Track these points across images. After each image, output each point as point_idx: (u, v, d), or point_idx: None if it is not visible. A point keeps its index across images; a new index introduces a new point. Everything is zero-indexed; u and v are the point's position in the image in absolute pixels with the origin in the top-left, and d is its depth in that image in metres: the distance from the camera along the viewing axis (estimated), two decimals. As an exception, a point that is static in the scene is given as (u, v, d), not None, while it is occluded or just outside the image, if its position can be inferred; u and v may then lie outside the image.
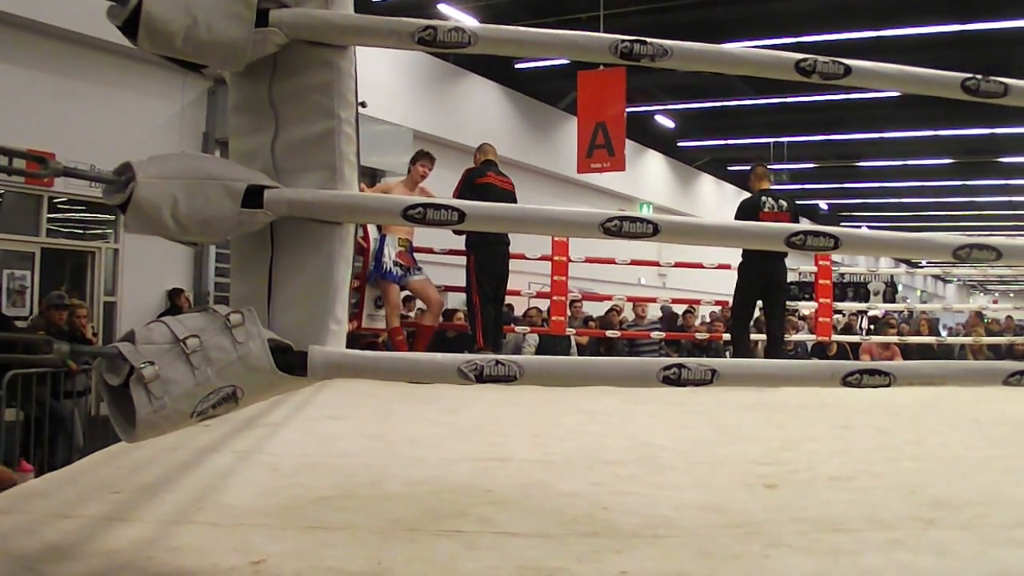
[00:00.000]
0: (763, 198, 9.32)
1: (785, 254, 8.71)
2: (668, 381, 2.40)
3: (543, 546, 2.60)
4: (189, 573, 2.30)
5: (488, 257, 8.73)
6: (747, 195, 10.07)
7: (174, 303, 14.57)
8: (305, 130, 2.40)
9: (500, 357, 2.35)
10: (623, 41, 2.53)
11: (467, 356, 2.36)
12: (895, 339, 12.96)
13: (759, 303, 9.87)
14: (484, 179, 8.71)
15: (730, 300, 13.34)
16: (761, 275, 9.41)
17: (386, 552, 2.48)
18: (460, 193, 8.57)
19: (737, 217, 9.41)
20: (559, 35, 2.59)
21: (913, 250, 3.01)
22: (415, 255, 8.94)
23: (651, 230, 2.49)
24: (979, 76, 2.81)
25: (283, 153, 2.40)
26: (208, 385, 2.19)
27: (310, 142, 2.41)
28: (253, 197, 2.29)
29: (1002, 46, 20.09)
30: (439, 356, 2.42)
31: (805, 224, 2.82)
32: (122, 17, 2.21)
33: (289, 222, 2.38)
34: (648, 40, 2.54)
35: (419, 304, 10.72)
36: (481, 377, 2.32)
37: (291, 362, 2.29)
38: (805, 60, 2.64)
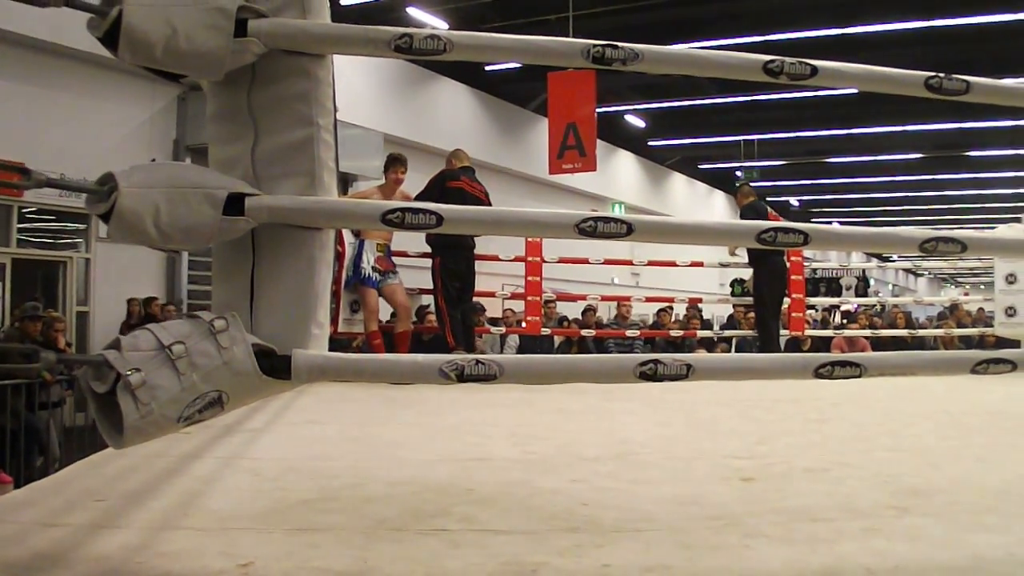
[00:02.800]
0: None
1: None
2: (645, 376, 2.44)
3: (525, 542, 2.64)
4: (179, 577, 2.33)
5: (453, 260, 8.75)
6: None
7: (144, 311, 14.43)
8: (284, 138, 2.43)
9: (480, 357, 2.38)
10: (595, 46, 2.57)
11: (448, 356, 2.40)
12: (867, 332, 13.06)
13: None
14: (457, 183, 8.71)
15: (703, 297, 13.47)
16: (780, 268, 10.04)
17: (372, 552, 2.52)
18: (428, 192, 8.60)
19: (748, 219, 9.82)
20: (532, 41, 2.62)
21: (881, 244, 3.08)
22: (393, 258, 8.95)
23: (625, 230, 2.53)
24: (941, 74, 2.87)
25: (263, 161, 2.42)
26: (194, 390, 2.22)
27: (289, 149, 2.43)
28: (234, 205, 2.31)
29: (967, 42, 20.27)
30: (420, 357, 2.45)
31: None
32: (103, 29, 2.24)
33: (270, 229, 2.40)
34: (619, 44, 2.58)
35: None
36: (462, 376, 2.36)
37: (275, 366, 2.32)
38: (773, 61, 2.69)
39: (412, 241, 9.22)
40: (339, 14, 2.55)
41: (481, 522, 2.85)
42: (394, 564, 2.44)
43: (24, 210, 14.59)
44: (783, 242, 2.66)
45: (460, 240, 8.67)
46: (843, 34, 19.93)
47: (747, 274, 12.35)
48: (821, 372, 2.56)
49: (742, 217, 10.04)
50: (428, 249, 9.14)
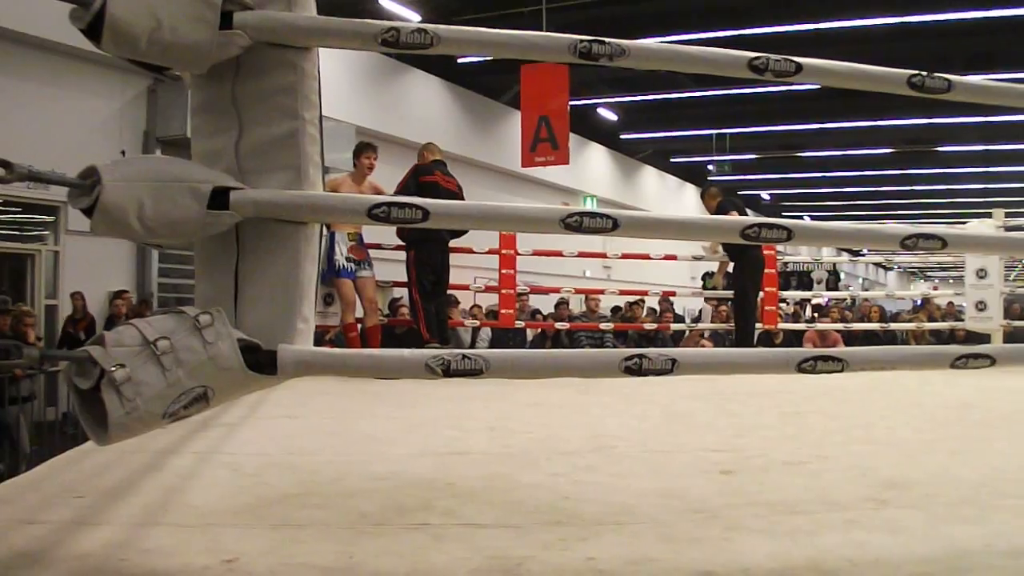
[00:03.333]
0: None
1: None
2: (630, 371, 2.45)
3: (509, 536, 2.65)
4: (163, 574, 2.32)
5: (427, 252, 8.75)
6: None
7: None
8: (269, 131, 2.42)
9: (466, 352, 2.39)
10: (581, 41, 2.58)
11: (434, 351, 2.40)
12: (840, 326, 13.15)
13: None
14: (431, 177, 8.71)
15: (676, 291, 13.52)
16: (759, 261, 10.19)
17: (356, 546, 2.52)
18: (404, 187, 8.60)
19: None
20: (517, 36, 2.62)
21: (863, 240, 3.09)
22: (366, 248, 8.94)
23: (611, 225, 2.53)
24: (924, 73, 2.89)
25: (247, 154, 2.41)
26: (179, 386, 2.21)
27: (274, 143, 2.42)
28: (219, 199, 2.30)
29: (943, 38, 20.40)
30: (406, 352, 2.45)
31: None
32: (86, 20, 2.22)
33: (254, 223, 2.39)
34: (606, 40, 2.58)
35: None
36: (448, 371, 2.35)
37: (260, 361, 2.31)
38: (758, 58, 2.70)
39: (387, 233, 9.21)
40: (317, 5, 2.53)
41: (464, 516, 2.85)
42: (379, 559, 2.44)
43: (-10, 203, 14.45)
44: (767, 238, 2.68)
45: (434, 233, 8.66)
46: (817, 29, 19.99)
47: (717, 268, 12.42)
48: (804, 367, 2.58)
49: (720, 213, 10.08)
50: (400, 242, 9.14)
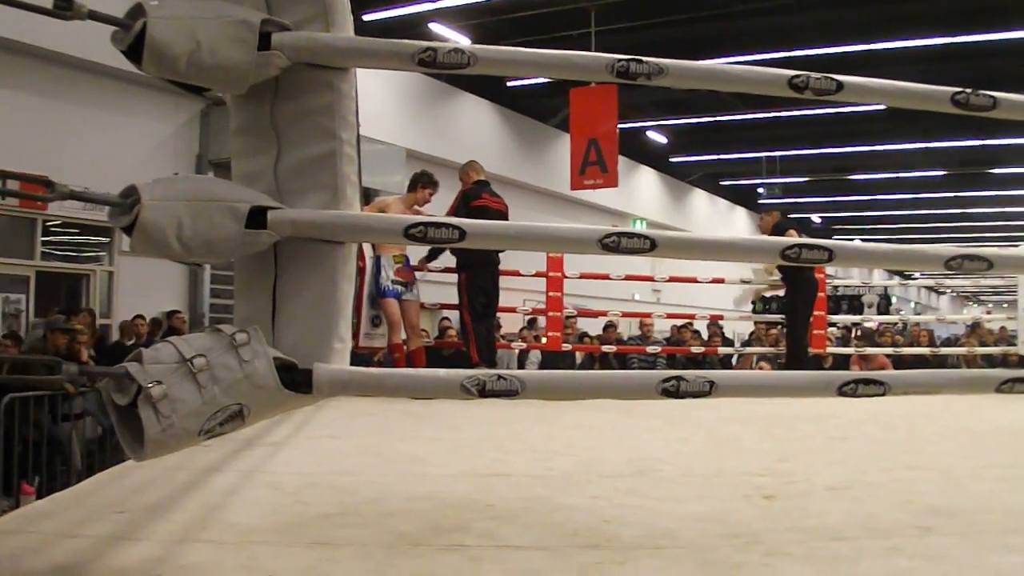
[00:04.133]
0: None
1: None
2: (667, 393, 2.43)
3: (546, 559, 2.63)
4: (198, 590, 2.33)
5: (479, 275, 8.75)
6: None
7: (170, 325, 14.45)
8: (307, 151, 2.43)
9: (502, 372, 2.38)
10: (619, 60, 2.57)
11: (469, 371, 2.39)
12: (889, 350, 12.99)
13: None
14: (480, 201, 8.70)
15: (724, 314, 13.44)
16: (814, 284, 10.13)
17: (391, 567, 2.51)
18: (455, 214, 8.59)
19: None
20: (556, 55, 2.62)
21: (906, 261, 3.05)
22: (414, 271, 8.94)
23: (648, 245, 2.52)
24: (968, 90, 2.85)
25: (286, 174, 2.43)
26: (215, 403, 2.22)
27: (312, 163, 2.44)
28: (257, 218, 2.32)
29: (993, 58, 20.19)
30: (442, 372, 2.45)
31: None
32: (127, 42, 2.25)
33: (292, 242, 2.41)
34: (644, 59, 2.58)
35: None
36: (484, 392, 2.35)
37: (296, 380, 2.32)
38: (798, 76, 2.68)
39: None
40: (361, 29, 2.54)
41: (501, 538, 2.84)
42: (414, 579, 2.43)
43: (48, 223, 14.67)
44: (807, 259, 2.65)
45: (487, 257, 8.68)
46: (867, 50, 19.86)
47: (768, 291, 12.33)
48: (845, 390, 2.55)
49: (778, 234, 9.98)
50: (448, 263, 9.15)
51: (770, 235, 10.02)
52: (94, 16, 2.24)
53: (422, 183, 8.92)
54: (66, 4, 2.19)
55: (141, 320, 13.43)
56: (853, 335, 16.48)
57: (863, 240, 41.21)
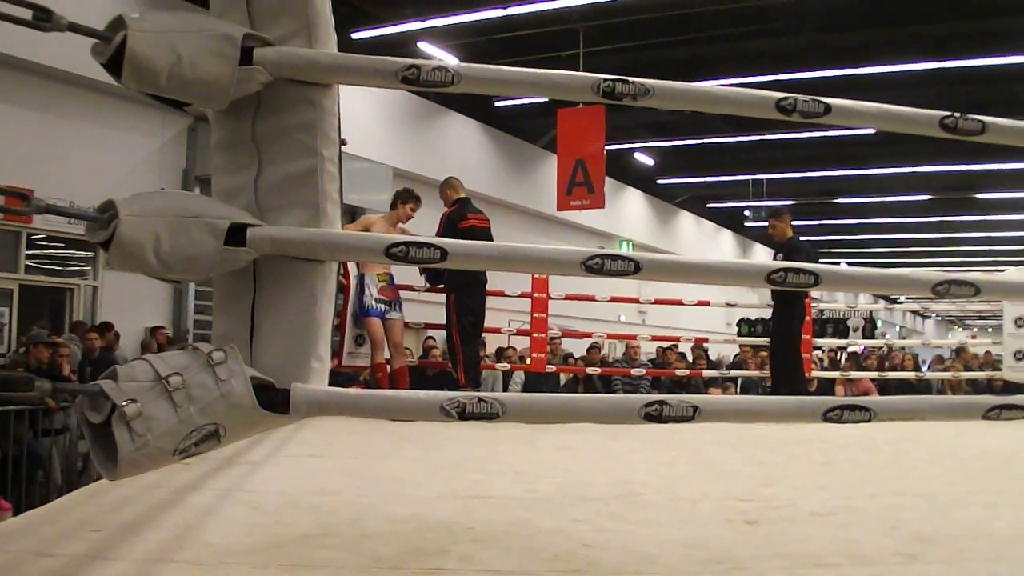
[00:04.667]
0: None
1: None
2: (650, 418, 2.40)
3: (525, 584, 2.60)
4: (170, 612, 2.29)
5: (467, 295, 8.73)
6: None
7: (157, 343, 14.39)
8: (288, 168, 2.41)
9: (482, 394, 2.35)
10: (605, 80, 2.56)
11: (449, 394, 2.37)
12: (874, 375, 12.99)
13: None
14: (467, 223, 8.66)
15: (709, 337, 13.38)
16: (804, 308, 10.00)
17: (369, 590, 2.47)
18: (443, 237, 8.54)
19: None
20: (541, 74, 2.61)
21: (893, 286, 3.03)
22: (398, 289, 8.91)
23: (632, 268, 2.50)
24: (957, 114, 2.84)
25: (266, 191, 2.40)
26: (191, 423, 2.19)
27: (293, 180, 2.41)
28: (236, 235, 2.29)
29: (981, 83, 20.28)
30: (421, 394, 2.42)
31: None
32: (107, 55, 2.22)
33: (272, 260, 2.38)
34: (630, 79, 2.56)
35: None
36: (464, 414, 2.32)
37: (274, 400, 2.29)
38: (786, 99, 2.67)
39: (418, 276, 9.21)
40: (350, 47, 2.52)
41: (481, 562, 2.80)
42: (390, 604, 2.40)
43: (33, 236, 14.62)
44: (793, 283, 2.63)
45: (475, 277, 8.66)
46: (854, 75, 19.93)
47: (753, 314, 12.27)
48: (830, 416, 2.52)
49: (791, 250, 9.69)
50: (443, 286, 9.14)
51: (783, 243, 9.84)
52: (74, 28, 2.21)
53: (402, 199, 8.91)
54: (45, 16, 2.17)
55: (94, 335, 13.09)
56: (842, 359, 16.47)
57: (849, 264, 41.35)
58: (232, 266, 2.33)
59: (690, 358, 14.95)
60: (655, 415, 2.40)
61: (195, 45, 2.25)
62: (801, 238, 10.42)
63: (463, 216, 8.76)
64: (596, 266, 2.47)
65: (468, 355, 8.73)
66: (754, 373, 12.81)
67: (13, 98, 13.63)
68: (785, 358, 9.99)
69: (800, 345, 10.21)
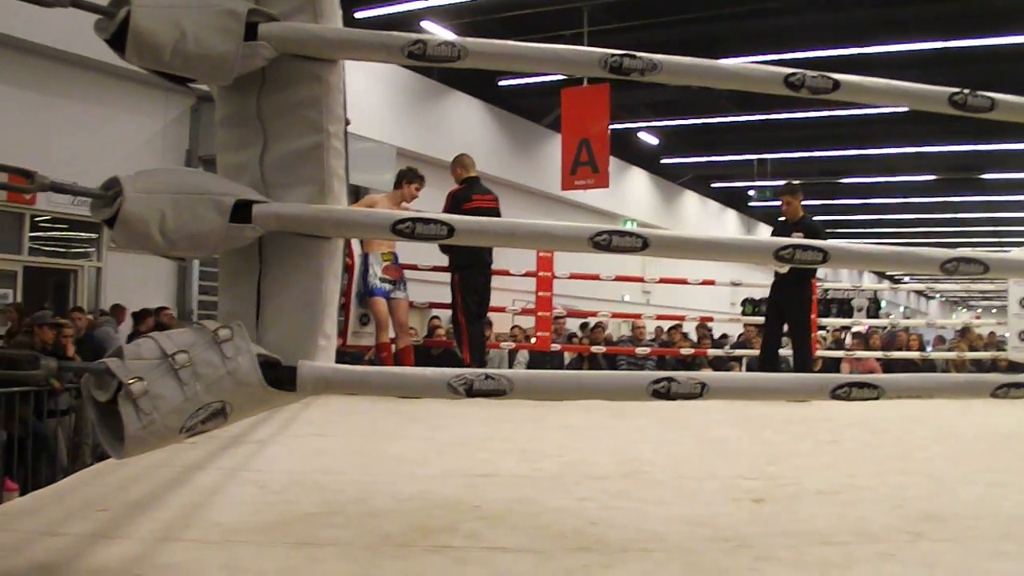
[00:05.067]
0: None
1: None
2: (657, 395, 2.39)
3: (533, 561, 2.60)
4: (177, 590, 2.29)
5: (472, 276, 8.70)
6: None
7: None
8: (293, 144, 2.39)
9: (490, 371, 2.34)
10: (612, 55, 2.54)
11: (457, 370, 2.36)
12: (879, 354, 12.98)
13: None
14: (471, 204, 8.58)
15: (714, 316, 13.35)
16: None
17: (376, 568, 2.47)
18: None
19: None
20: (548, 49, 2.59)
21: (901, 263, 3.02)
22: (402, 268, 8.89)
23: (640, 244, 2.48)
24: (966, 91, 2.82)
25: (272, 167, 2.39)
26: (197, 400, 2.18)
27: (298, 156, 2.40)
28: (241, 212, 2.28)
29: (987, 62, 20.20)
30: (428, 371, 2.41)
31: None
32: (110, 31, 2.21)
33: (277, 237, 2.37)
34: (637, 54, 2.54)
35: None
36: (471, 391, 2.31)
37: (280, 377, 2.28)
38: (794, 74, 2.65)
39: (422, 255, 9.18)
40: (353, 26, 2.50)
41: (488, 539, 2.80)
42: (399, 581, 2.39)
43: (36, 218, 14.63)
44: (801, 259, 2.61)
45: (480, 257, 8.62)
46: (860, 54, 19.84)
47: (758, 293, 12.20)
48: (838, 393, 2.51)
49: (809, 229, 9.51)
50: (437, 262, 9.11)
51: (797, 223, 9.65)
52: (77, 4, 2.20)
53: (407, 179, 8.86)
54: (49, -9, 2.15)
55: (79, 313, 13.01)
56: (847, 339, 16.45)
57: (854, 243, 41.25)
58: (238, 243, 2.32)
59: (694, 338, 14.95)
60: (663, 392, 2.39)
61: (199, 20, 2.23)
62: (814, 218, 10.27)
63: (467, 198, 8.69)
64: (604, 242, 2.46)
65: (473, 335, 8.71)
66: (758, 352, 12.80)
67: (15, 79, 13.62)
68: (806, 337, 9.82)
69: (810, 322, 10.14)
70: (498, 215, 8.61)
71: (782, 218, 9.89)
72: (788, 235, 8.51)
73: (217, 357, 2.21)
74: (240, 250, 2.37)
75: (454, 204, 8.61)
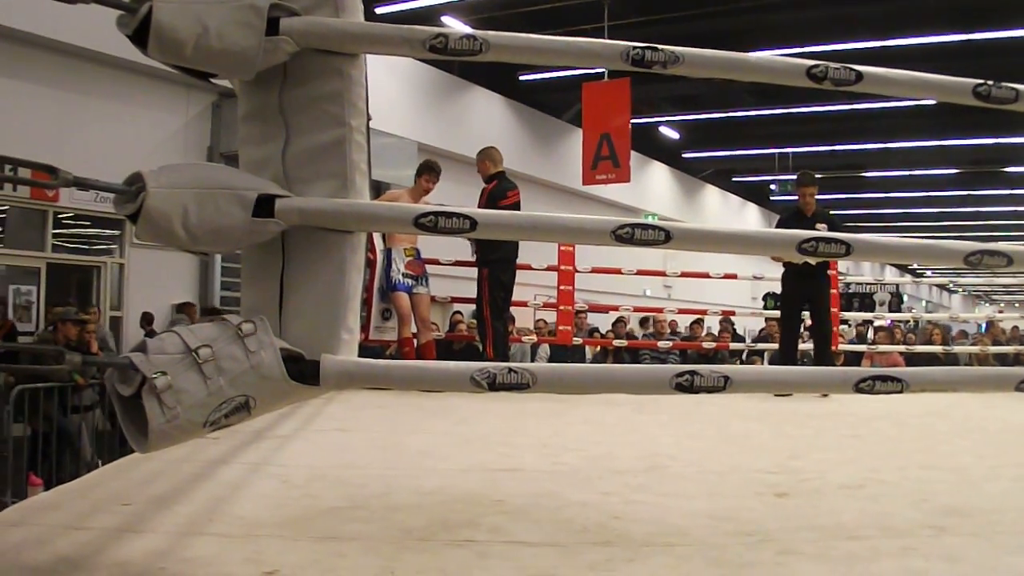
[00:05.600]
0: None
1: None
2: (681, 388, 2.39)
3: (555, 555, 2.60)
4: (202, 584, 2.29)
5: (502, 271, 8.67)
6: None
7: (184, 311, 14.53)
8: (316, 139, 2.39)
9: (513, 365, 2.34)
10: (635, 48, 2.53)
11: (480, 364, 2.35)
12: (901, 348, 12.91)
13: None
14: (506, 200, 8.55)
15: (736, 310, 13.27)
16: None
17: (398, 562, 2.47)
18: None
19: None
20: (571, 42, 2.58)
21: (925, 256, 3.01)
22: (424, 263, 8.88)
23: (663, 237, 2.47)
24: (990, 82, 2.80)
25: (294, 162, 2.39)
26: (221, 395, 2.19)
27: (321, 151, 2.40)
28: (264, 206, 2.28)
29: (1008, 55, 20.06)
30: (451, 364, 2.41)
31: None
32: (132, 26, 2.21)
33: (300, 231, 2.37)
34: (660, 47, 2.53)
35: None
36: (494, 385, 2.31)
37: (303, 371, 2.28)
38: (817, 66, 2.63)
39: (444, 249, 9.17)
40: (374, 21, 2.49)
41: (510, 534, 2.80)
42: (421, 575, 2.39)
43: (59, 215, 14.69)
44: (825, 252, 2.60)
45: (509, 252, 8.59)
46: (880, 47, 19.77)
47: (780, 288, 12.13)
48: (862, 387, 2.50)
49: (828, 220, 9.37)
50: (459, 257, 9.10)
51: (818, 215, 9.47)
52: (99, 0, 2.20)
53: (419, 173, 8.83)
54: (71, -11, 2.16)
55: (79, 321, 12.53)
56: (871, 332, 16.33)
57: (875, 237, 41.09)
58: (260, 238, 2.32)
59: (717, 332, 14.92)
60: (686, 385, 2.38)
61: (221, 16, 2.24)
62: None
63: (503, 194, 8.67)
64: (626, 235, 2.45)
65: (497, 331, 8.70)
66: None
67: (37, 77, 13.67)
68: (828, 331, 9.64)
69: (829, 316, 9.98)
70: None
71: (799, 210, 9.63)
72: (809, 228, 8.41)
73: (241, 351, 2.21)
74: (263, 245, 2.37)
75: (490, 201, 8.57)
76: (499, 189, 8.73)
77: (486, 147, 9.22)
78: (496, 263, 8.61)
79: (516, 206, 8.58)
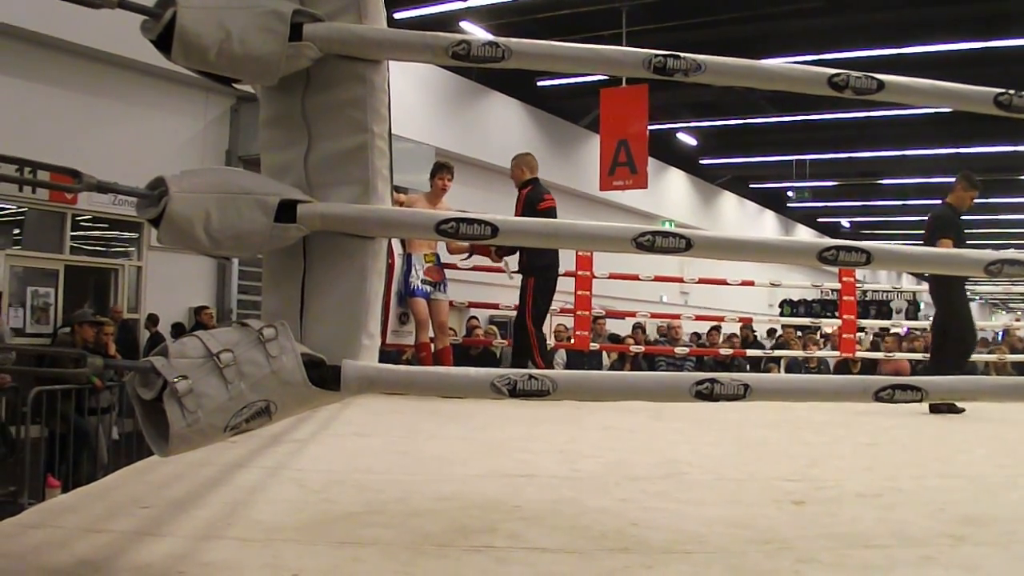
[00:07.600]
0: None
1: None
2: (701, 396, 2.38)
3: (574, 562, 2.59)
4: (221, 587, 2.30)
5: (546, 280, 8.64)
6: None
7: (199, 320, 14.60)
8: (338, 144, 2.40)
9: (533, 372, 2.34)
10: (656, 56, 2.53)
11: (500, 370, 2.35)
12: (918, 356, 12.86)
13: None
14: (544, 204, 8.55)
15: (754, 317, 13.24)
16: None
17: (417, 567, 2.48)
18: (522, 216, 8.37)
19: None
20: (593, 50, 2.58)
21: (945, 265, 3.00)
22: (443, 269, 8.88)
23: (684, 245, 2.47)
24: (1012, 91, 2.79)
25: (316, 167, 2.40)
26: (241, 399, 2.19)
27: (343, 156, 2.40)
28: (286, 211, 2.29)
29: (1021, 63, 20.02)
30: (472, 370, 2.41)
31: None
32: (156, 32, 2.22)
33: (322, 236, 2.38)
34: (681, 55, 2.53)
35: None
36: (514, 392, 2.31)
37: (324, 376, 2.29)
38: (838, 75, 2.63)
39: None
40: (392, 27, 2.50)
41: (529, 540, 2.80)
42: (440, 580, 2.40)
43: (78, 218, 14.77)
44: (845, 260, 2.59)
45: (554, 259, 8.57)
46: (897, 54, 19.74)
47: (796, 294, 12.13)
48: (881, 396, 2.49)
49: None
50: (479, 262, 9.10)
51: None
52: (124, 5, 2.22)
53: (436, 174, 8.78)
54: (96, -8, 2.17)
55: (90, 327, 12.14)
56: (899, 342, 16.27)
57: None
58: (282, 243, 2.33)
59: (742, 337, 14.90)
60: (706, 393, 2.38)
61: (244, 21, 2.25)
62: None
63: (540, 198, 8.63)
64: (647, 243, 2.45)
65: (541, 339, 8.65)
66: (798, 353, 12.72)
67: (57, 79, 13.76)
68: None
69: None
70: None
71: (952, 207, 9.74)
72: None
73: (262, 356, 2.22)
74: (284, 250, 2.37)
75: (527, 206, 8.54)
76: (536, 193, 8.69)
77: (521, 153, 9.14)
78: (542, 270, 8.56)
79: (552, 211, 8.55)
